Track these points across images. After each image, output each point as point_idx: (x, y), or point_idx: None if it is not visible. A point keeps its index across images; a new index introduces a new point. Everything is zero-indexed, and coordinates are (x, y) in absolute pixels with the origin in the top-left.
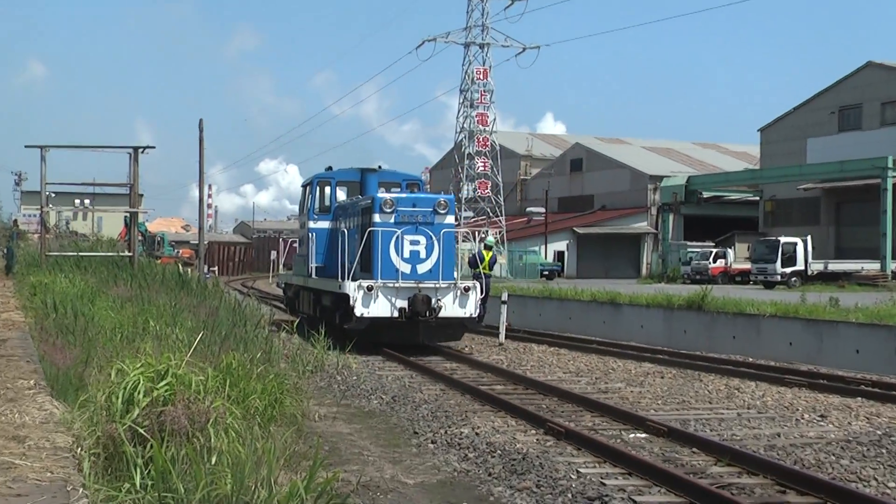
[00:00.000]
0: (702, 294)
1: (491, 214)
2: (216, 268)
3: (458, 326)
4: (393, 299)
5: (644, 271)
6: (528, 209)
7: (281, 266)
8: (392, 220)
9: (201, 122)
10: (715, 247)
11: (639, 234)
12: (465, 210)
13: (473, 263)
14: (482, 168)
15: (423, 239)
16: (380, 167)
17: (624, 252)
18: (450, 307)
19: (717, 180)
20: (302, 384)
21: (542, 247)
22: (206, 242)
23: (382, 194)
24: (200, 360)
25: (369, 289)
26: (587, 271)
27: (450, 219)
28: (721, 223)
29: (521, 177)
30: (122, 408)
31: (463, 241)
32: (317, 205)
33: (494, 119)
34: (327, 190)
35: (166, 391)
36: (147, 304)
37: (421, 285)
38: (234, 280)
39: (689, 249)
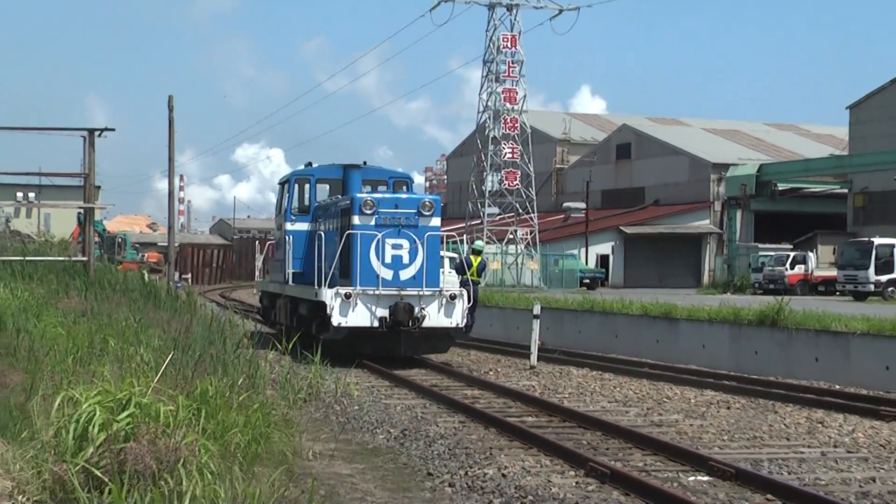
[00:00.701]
0: (776, 307)
1: (520, 211)
2: (189, 275)
3: (444, 337)
4: (373, 308)
5: (706, 279)
6: (566, 204)
7: (257, 271)
8: (373, 223)
9: (171, 100)
10: (792, 250)
11: (699, 235)
12: (490, 206)
13: (460, 269)
14: (510, 155)
15: (405, 243)
16: (364, 163)
17: (681, 256)
18: (434, 316)
19: (795, 169)
20: (293, 415)
21: (583, 250)
22: (176, 244)
23: (362, 194)
24: (170, 387)
25: (347, 296)
26: (637, 279)
27: (435, 221)
28: (800, 221)
29: (557, 165)
30: (74, 445)
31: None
32: (294, 204)
33: (525, 96)
34: (306, 188)
35: (128, 424)
36: (106, 319)
37: (403, 293)
38: (212, 290)
39: (762, 253)
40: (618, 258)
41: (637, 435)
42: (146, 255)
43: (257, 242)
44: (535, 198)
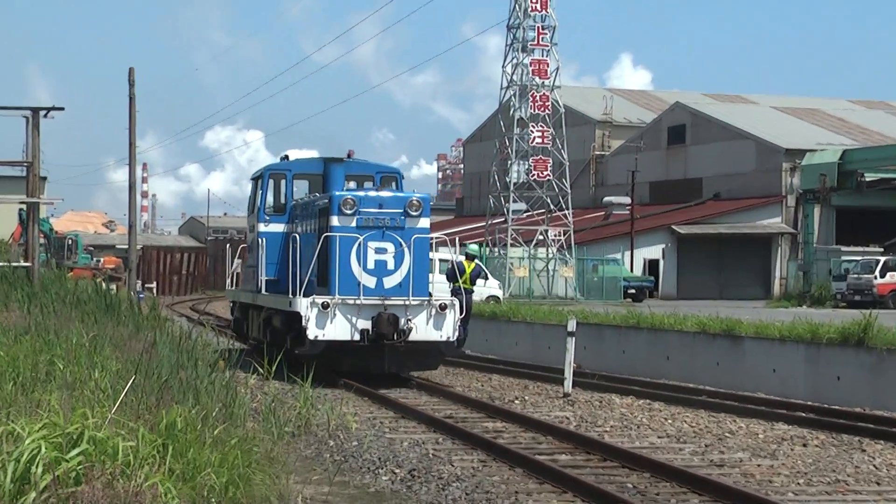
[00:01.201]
0: (863, 323)
1: (552, 207)
2: (154, 284)
3: (433, 352)
4: (353, 319)
5: (776, 289)
6: (607, 199)
7: (228, 279)
8: (354, 224)
9: (132, 73)
10: (883, 254)
11: (768, 236)
12: (515, 201)
13: (452, 276)
14: (539, 140)
15: (390, 246)
16: (349, 155)
17: (747, 261)
18: (422, 329)
19: (885, 155)
20: (279, 452)
21: (627, 253)
22: (139, 247)
23: (342, 192)
24: (130, 418)
25: (325, 306)
26: (692, 289)
27: (423, 222)
28: (892, 219)
29: (596, 152)
30: (13, 488)
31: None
32: (268, 203)
33: (557, 69)
34: (282, 184)
35: (79, 464)
36: (53, 338)
37: (387, 302)
38: (181, 302)
39: (845, 258)
40: (669, 264)
41: (693, 477)
42: (102, 259)
43: (228, 246)
44: (569, 191)
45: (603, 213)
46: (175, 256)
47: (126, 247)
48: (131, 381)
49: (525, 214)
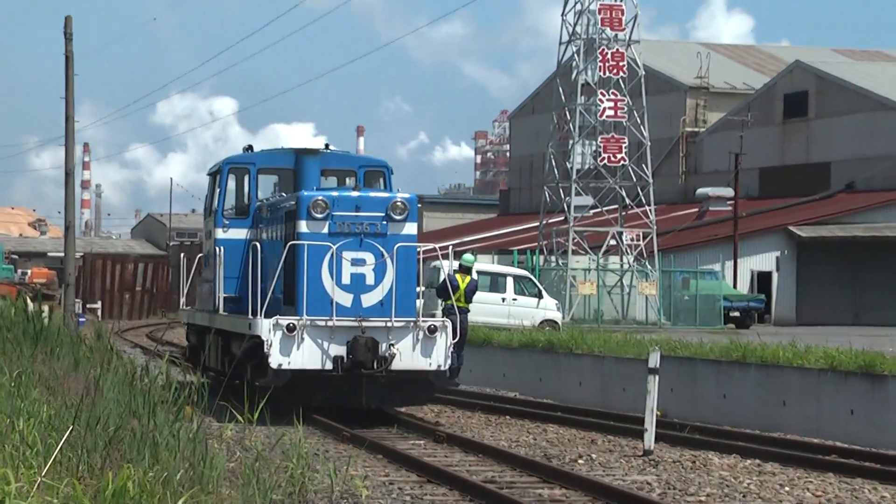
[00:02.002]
0: None
1: (628, 201)
2: (99, 304)
3: (421, 384)
4: (325, 344)
5: None
6: (701, 191)
7: (182, 297)
8: (325, 230)
9: (68, 24)
10: None
11: None
12: (579, 194)
13: (443, 292)
14: (612, 112)
15: (370, 257)
16: (327, 146)
17: (891, 274)
18: (408, 355)
19: None
20: None
21: (729, 264)
22: (79, 255)
23: (311, 192)
24: (67, 482)
25: (290, 328)
26: (816, 311)
27: (409, 227)
28: None
29: (687, 128)
30: None
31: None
32: (227, 203)
33: (636, 17)
34: (245, 181)
35: None
36: None
37: (366, 324)
38: (134, 327)
39: None
40: (786, 277)
41: None
42: (29, 272)
43: (183, 255)
44: (651, 181)
45: (696, 209)
46: (127, 268)
47: (61, 255)
48: (68, 432)
49: (592, 211)
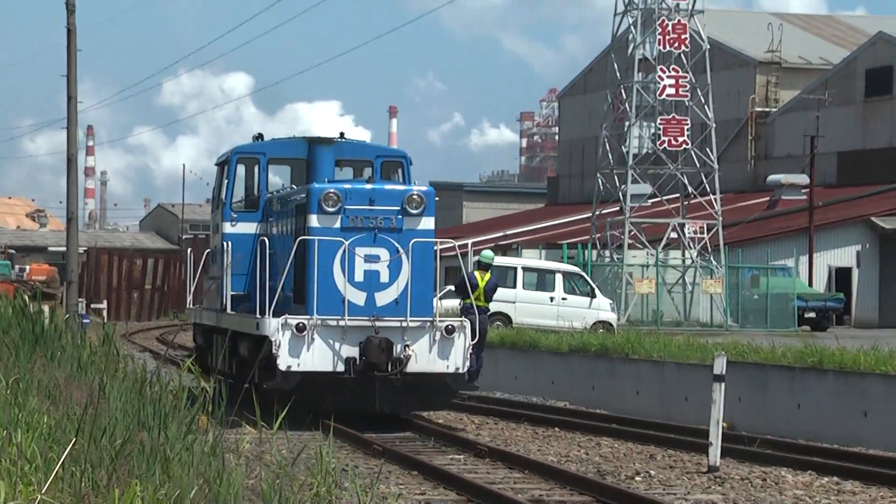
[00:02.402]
0: None
1: (691, 190)
2: (105, 304)
3: (438, 388)
4: (337, 345)
5: None
6: (773, 178)
7: (189, 294)
8: (337, 225)
9: None
10: None
11: None
12: (636, 181)
13: (462, 290)
14: (673, 91)
15: (384, 253)
16: (342, 135)
17: None
18: (424, 357)
19: None
20: None
21: (803, 259)
22: (82, 250)
23: (323, 184)
24: (70, 501)
25: (300, 328)
26: None
27: (426, 222)
28: None
29: (757, 108)
30: None
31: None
32: (235, 196)
33: None
34: (255, 172)
35: None
36: None
37: (380, 324)
38: (144, 329)
39: None
40: (867, 274)
41: None
42: (28, 268)
43: (190, 251)
44: (716, 167)
45: (767, 198)
46: (135, 264)
47: (63, 249)
48: (70, 445)
49: (650, 201)
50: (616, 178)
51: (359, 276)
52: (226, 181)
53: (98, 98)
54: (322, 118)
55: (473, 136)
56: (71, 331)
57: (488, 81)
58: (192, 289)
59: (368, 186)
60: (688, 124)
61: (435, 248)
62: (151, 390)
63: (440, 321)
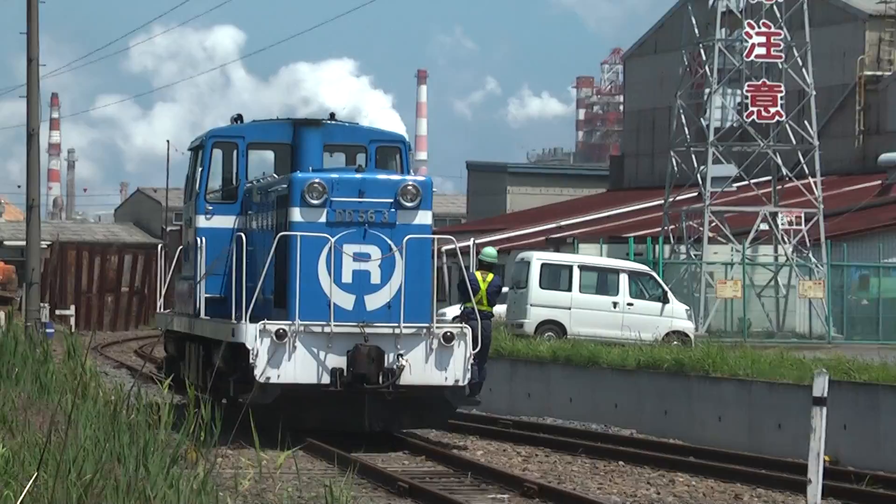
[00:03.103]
0: None
1: (785, 170)
2: (72, 310)
3: (435, 403)
4: (321, 354)
5: None
6: (884, 157)
7: (159, 298)
8: (323, 219)
9: None
10: None
11: None
12: (718, 160)
13: (463, 292)
14: (763, 51)
15: (375, 251)
16: (332, 116)
17: None
18: (419, 368)
19: None
20: None
21: None
22: (46, 244)
23: (307, 174)
24: None
25: (280, 335)
26: None
27: (422, 216)
28: None
29: (866, 72)
30: None
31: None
32: (209, 185)
33: None
34: (233, 158)
35: None
36: None
37: (369, 330)
38: (119, 340)
39: None
40: None
41: None
42: None
43: (161, 247)
44: (816, 143)
45: (878, 182)
46: (109, 261)
47: (21, 243)
48: (31, 481)
49: (736, 185)
50: (694, 157)
51: (346, 277)
52: (200, 169)
53: (60, 61)
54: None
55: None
56: (31, 342)
57: (531, 40)
58: (164, 291)
59: (358, 176)
60: (781, 92)
61: (434, 243)
62: (128, 414)
63: (437, 328)
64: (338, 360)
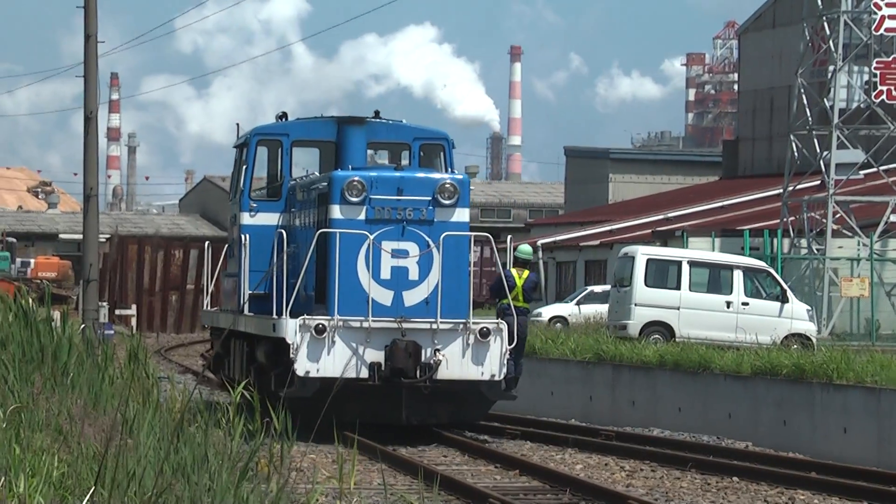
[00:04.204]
0: None
1: None
2: (133, 309)
3: (472, 397)
4: (360, 348)
5: None
6: None
7: (205, 296)
8: (362, 216)
9: None
10: None
11: None
12: (843, 145)
13: (498, 290)
14: (893, 25)
15: (413, 247)
16: (377, 114)
17: None
18: (456, 363)
19: None
20: None
21: None
22: (104, 238)
23: (346, 171)
24: None
25: (319, 330)
26: None
27: (460, 214)
28: None
29: None
30: None
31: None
32: (256, 183)
33: None
34: (279, 156)
35: None
36: None
37: (407, 325)
38: (187, 343)
39: None
40: None
41: None
42: (33, 261)
43: (208, 244)
44: None
45: None
46: (174, 256)
47: (78, 237)
48: (88, 496)
49: (863, 172)
50: (816, 141)
51: (385, 274)
52: (244, 166)
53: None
54: (407, 50)
55: (603, 89)
56: (89, 345)
57: (632, 13)
58: (210, 289)
59: (397, 174)
60: None
61: (471, 240)
62: (194, 422)
63: (474, 324)
64: (376, 355)
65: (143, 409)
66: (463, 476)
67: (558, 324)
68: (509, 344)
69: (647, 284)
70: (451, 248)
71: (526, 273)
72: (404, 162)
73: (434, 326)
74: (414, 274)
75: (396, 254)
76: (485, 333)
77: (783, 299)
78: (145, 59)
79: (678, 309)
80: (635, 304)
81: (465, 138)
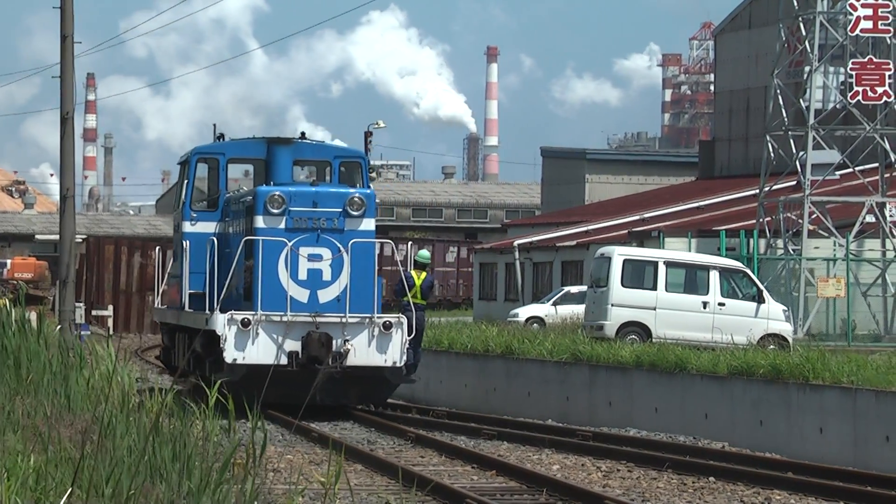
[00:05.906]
0: None
1: (894, 157)
2: (110, 310)
3: (377, 381)
4: (280, 339)
5: None
6: None
7: (157, 295)
8: (282, 225)
9: None
10: None
11: None
12: (819, 146)
13: (399, 291)
14: (869, 25)
15: (326, 252)
16: (303, 135)
17: None
18: (363, 351)
19: None
20: None
21: None
22: (81, 238)
23: (269, 187)
24: None
25: (245, 323)
26: None
27: (366, 223)
28: None
29: None
30: None
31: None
32: (194, 195)
33: None
34: (216, 171)
35: None
36: None
37: (321, 319)
38: (159, 345)
39: None
40: None
41: None
42: (9, 262)
43: (158, 249)
44: None
45: None
46: (150, 257)
47: (55, 237)
48: (65, 497)
49: (839, 173)
50: (792, 142)
51: (302, 275)
52: (186, 181)
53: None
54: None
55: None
56: (64, 346)
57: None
58: (162, 288)
59: (312, 189)
60: (890, 70)
61: (376, 246)
62: (170, 424)
63: (378, 318)
64: (294, 345)
65: (118, 411)
66: (440, 476)
67: (535, 324)
68: (409, 335)
69: (623, 285)
70: (358, 253)
71: (423, 275)
72: (327, 178)
73: (344, 320)
74: (327, 275)
75: (312, 258)
76: (388, 326)
77: (759, 300)
78: (122, 60)
79: (655, 309)
80: (612, 305)
81: (441, 139)
